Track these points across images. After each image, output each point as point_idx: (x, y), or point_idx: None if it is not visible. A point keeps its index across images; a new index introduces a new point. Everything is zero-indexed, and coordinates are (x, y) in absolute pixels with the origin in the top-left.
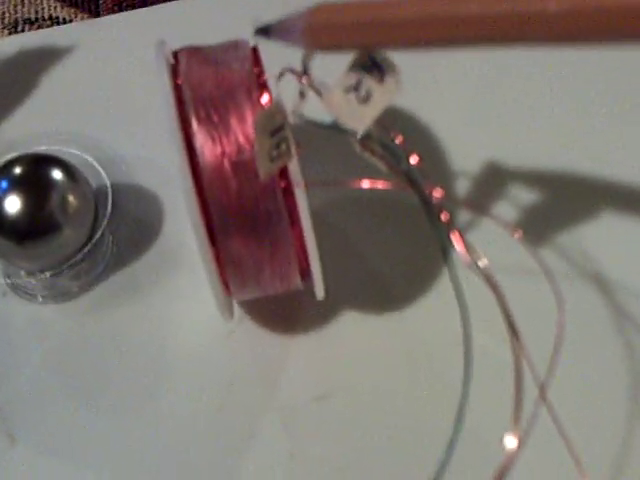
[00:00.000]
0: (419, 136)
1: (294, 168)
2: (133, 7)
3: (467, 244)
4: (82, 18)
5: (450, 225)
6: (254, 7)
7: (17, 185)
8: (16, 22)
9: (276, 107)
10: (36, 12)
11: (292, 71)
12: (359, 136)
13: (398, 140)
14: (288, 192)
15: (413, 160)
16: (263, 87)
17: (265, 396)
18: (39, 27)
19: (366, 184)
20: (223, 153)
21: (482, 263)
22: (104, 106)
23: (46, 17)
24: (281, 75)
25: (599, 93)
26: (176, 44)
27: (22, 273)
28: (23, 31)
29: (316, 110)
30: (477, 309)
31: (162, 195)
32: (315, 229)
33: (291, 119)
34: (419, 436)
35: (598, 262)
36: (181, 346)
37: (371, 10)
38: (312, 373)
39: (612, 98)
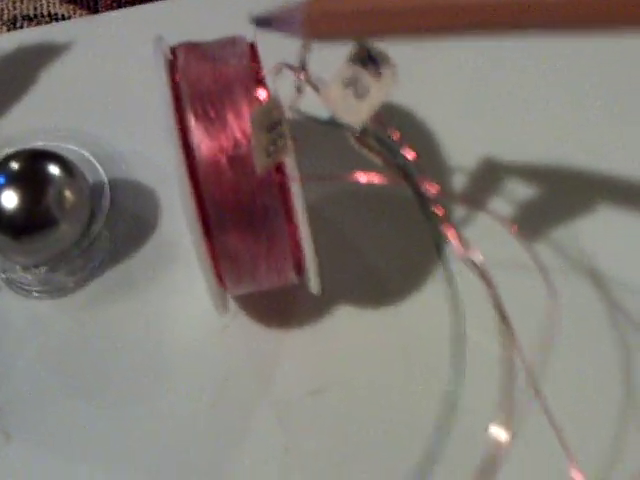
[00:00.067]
0: (415, 131)
1: (291, 163)
2: (131, 4)
3: (462, 238)
4: (81, 15)
5: (445, 219)
6: (252, 3)
7: (14, 180)
8: (15, 19)
9: (273, 102)
10: (35, 9)
11: (289, 66)
12: (356, 131)
13: (394, 135)
14: (284, 187)
15: (409, 155)
16: (260, 83)
17: (260, 391)
18: (38, 24)
19: (362, 178)
20: (220, 148)
21: (476, 257)
22: (102, 102)
23: (45, 14)
24: (278, 70)
25: (595, 87)
26: (174, 40)
27: (18, 268)
28: (22, 27)
29: (313, 105)
30: (471, 303)
31: (159, 191)
32: (311, 224)
33: (288, 114)
34: (413, 430)
35: (593, 257)
36: (177, 341)
37: None
38: (307, 368)
39: (608, 92)
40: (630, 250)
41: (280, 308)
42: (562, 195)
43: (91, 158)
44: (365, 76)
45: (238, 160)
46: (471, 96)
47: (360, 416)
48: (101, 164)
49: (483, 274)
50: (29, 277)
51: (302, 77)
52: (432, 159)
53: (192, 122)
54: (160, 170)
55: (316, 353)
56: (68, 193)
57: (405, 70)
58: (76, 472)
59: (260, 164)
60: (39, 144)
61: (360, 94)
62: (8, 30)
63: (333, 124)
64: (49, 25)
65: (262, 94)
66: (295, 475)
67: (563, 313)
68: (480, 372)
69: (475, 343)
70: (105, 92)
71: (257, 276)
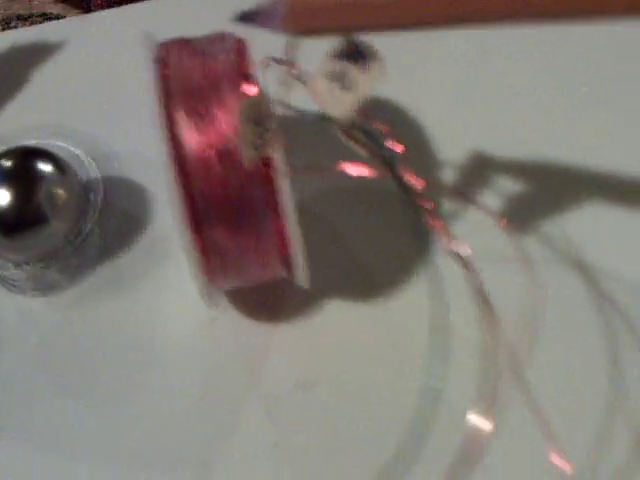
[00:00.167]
0: (405, 124)
1: (278, 156)
2: (124, 3)
3: (447, 230)
4: (74, 14)
5: (430, 212)
6: (243, 1)
7: (5, 177)
8: (9, 18)
9: (260, 96)
10: (29, 9)
11: (276, 60)
12: (341, 123)
13: (381, 128)
14: (272, 181)
15: (397, 148)
16: (248, 77)
17: (249, 384)
18: (32, 23)
19: (349, 171)
20: (209, 143)
21: (462, 249)
22: (95, 100)
23: (39, 14)
24: (266, 65)
25: (584, 82)
26: (166, 38)
27: (9, 265)
28: (16, 27)
29: (302, 99)
30: (458, 296)
31: (151, 189)
32: (300, 219)
33: (276, 108)
34: (399, 422)
35: (581, 249)
36: (167, 337)
37: None
38: (296, 362)
39: (597, 87)
40: (617, 241)
41: (269, 302)
42: (550, 188)
43: (83, 156)
44: (351, 69)
45: (227, 155)
46: (461, 88)
47: (349, 409)
48: (94, 162)
49: (467, 265)
50: (21, 274)
51: (289, 71)
52: (421, 152)
53: (181, 117)
54: (152, 168)
55: (305, 347)
56: (59, 190)
57: (395, 63)
58: (65, 469)
59: (248, 157)
60: (32, 142)
61: (346, 87)
62: (2, 30)
63: (321, 117)
64: (42, 25)
65: (250, 89)
66: (284, 468)
67: (550, 303)
68: (466, 363)
69: (462, 335)
70: (97, 90)
71: (245, 270)
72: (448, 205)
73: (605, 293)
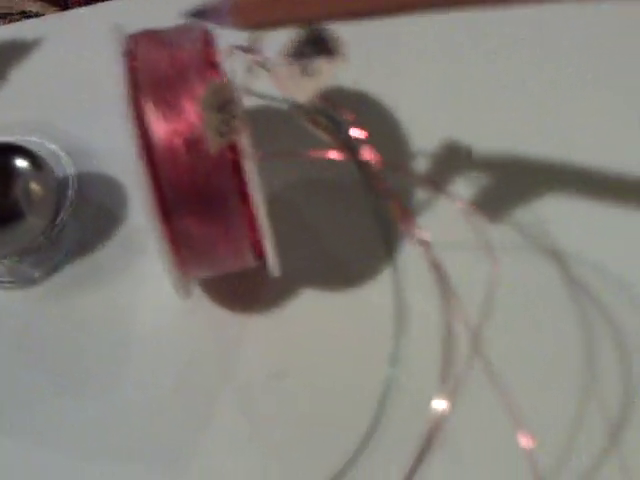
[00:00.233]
0: (374, 113)
1: (244, 142)
2: (102, 0)
3: (410, 217)
4: (52, 12)
5: (393, 197)
6: None
7: None
8: None
9: (224, 83)
10: (8, 7)
11: (240, 48)
12: (306, 110)
13: (345, 115)
14: (239, 168)
15: (361, 135)
16: (215, 66)
17: (223, 375)
18: (10, 21)
19: (313, 156)
20: (175, 132)
21: (424, 235)
22: (72, 97)
23: (17, 11)
24: (230, 53)
25: (554, 70)
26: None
27: None
28: None
29: (268, 87)
30: (421, 283)
31: (128, 184)
32: (270, 209)
33: (242, 95)
34: (370, 411)
35: (554, 236)
36: (142, 329)
37: None
38: (270, 351)
39: (566, 75)
40: (590, 229)
41: (244, 293)
42: (523, 176)
43: (60, 152)
44: (313, 55)
45: (194, 143)
46: (435, 78)
47: (319, 399)
48: (70, 158)
49: (429, 252)
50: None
51: (253, 58)
52: (391, 140)
53: (149, 107)
54: (129, 163)
55: (279, 337)
56: (35, 186)
57: (364, 50)
58: (43, 458)
59: (213, 144)
60: (9, 138)
61: (308, 73)
62: None
63: (287, 104)
64: (20, 22)
65: (215, 77)
66: (258, 458)
67: (523, 291)
68: (430, 350)
69: (427, 323)
70: (75, 87)
71: (216, 258)
72: (417, 193)
73: (578, 280)
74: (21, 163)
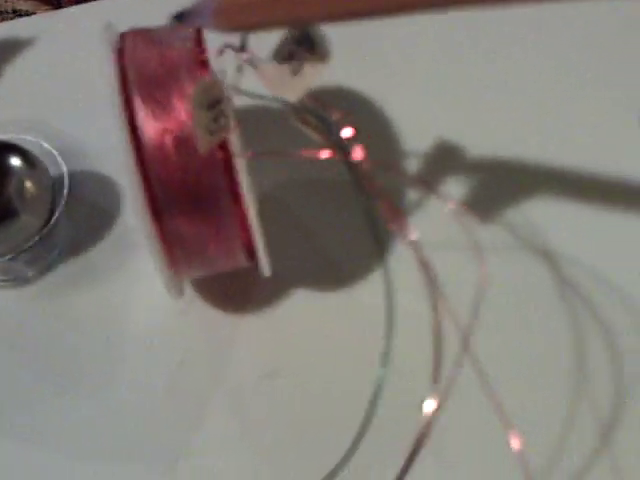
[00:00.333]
0: (366, 112)
1: (234, 141)
2: None
3: (400, 216)
4: (44, 10)
5: (382, 197)
6: None
7: None
8: None
9: (212, 81)
10: (1, 5)
11: (230, 47)
12: (295, 109)
13: (334, 114)
14: (229, 166)
15: (351, 134)
16: (204, 65)
17: (215, 375)
18: (3, 20)
19: (303, 156)
20: (165, 130)
21: (412, 235)
22: (65, 95)
23: (10, 10)
24: (221, 52)
25: (546, 71)
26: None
27: None
28: None
29: (258, 85)
30: (411, 283)
31: (121, 182)
32: (261, 208)
33: (231, 93)
34: (361, 412)
35: (544, 236)
36: (135, 328)
37: None
38: (262, 352)
39: (558, 76)
40: (580, 228)
41: (236, 293)
42: (514, 176)
43: (53, 150)
44: (300, 54)
45: (184, 141)
46: (427, 78)
47: (312, 399)
48: (64, 156)
49: (418, 251)
50: None
51: (242, 57)
52: (382, 140)
53: (139, 105)
54: (122, 162)
55: (271, 337)
56: (29, 184)
57: (357, 50)
58: (36, 457)
59: (202, 142)
60: (2, 137)
61: (296, 72)
62: None
63: (276, 102)
64: (12, 21)
65: (205, 75)
66: (250, 458)
67: (513, 290)
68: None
69: (417, 323)
70: (68, 85)
71: (207, 258)
72: (407, 193)
73: (568, 280)
74: (15, 162)
